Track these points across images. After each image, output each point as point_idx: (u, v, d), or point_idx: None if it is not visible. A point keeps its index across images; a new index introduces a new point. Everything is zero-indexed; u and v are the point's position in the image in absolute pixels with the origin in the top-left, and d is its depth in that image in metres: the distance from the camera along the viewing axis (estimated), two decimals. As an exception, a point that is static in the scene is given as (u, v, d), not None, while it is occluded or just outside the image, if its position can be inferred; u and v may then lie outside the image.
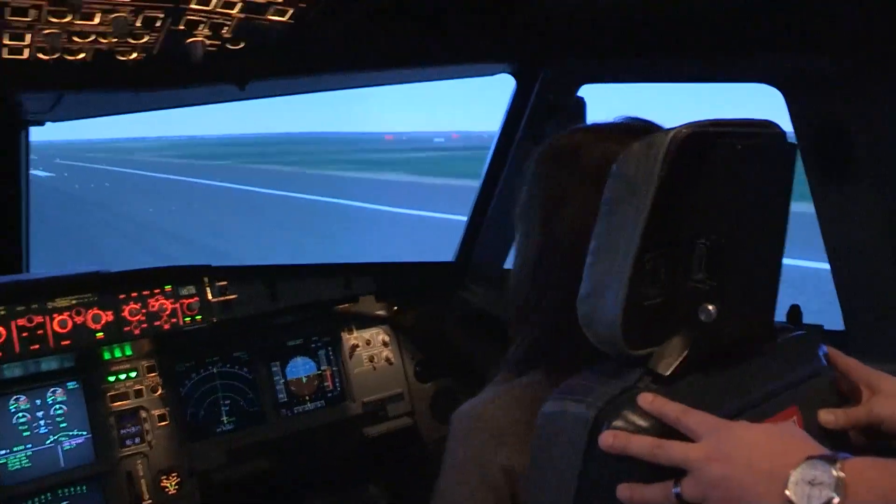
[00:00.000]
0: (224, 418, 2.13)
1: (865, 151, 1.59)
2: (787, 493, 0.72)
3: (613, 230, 0.92)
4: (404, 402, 2.39)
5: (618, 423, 0.89)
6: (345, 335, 2.34)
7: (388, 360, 2.38)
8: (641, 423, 0.89)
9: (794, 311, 1.84)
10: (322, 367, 2.29)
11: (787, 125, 1.36)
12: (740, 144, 0.92)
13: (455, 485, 1.09)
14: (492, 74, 2.03)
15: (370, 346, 2.37)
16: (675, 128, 0.90)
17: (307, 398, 2.25)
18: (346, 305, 2.24)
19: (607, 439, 0.87)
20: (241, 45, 1.45)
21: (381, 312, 2.38)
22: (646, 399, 0.89)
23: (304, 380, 2.26)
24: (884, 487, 0.69)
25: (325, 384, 2.28)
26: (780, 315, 1.80)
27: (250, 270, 2.05)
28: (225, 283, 1.99)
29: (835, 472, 0.71)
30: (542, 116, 1.92)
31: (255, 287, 2.04)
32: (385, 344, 2.39)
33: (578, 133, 1.12)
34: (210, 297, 1.98)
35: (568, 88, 1.89)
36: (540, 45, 1.76)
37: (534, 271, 1.10)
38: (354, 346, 2.34)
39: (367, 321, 2.38)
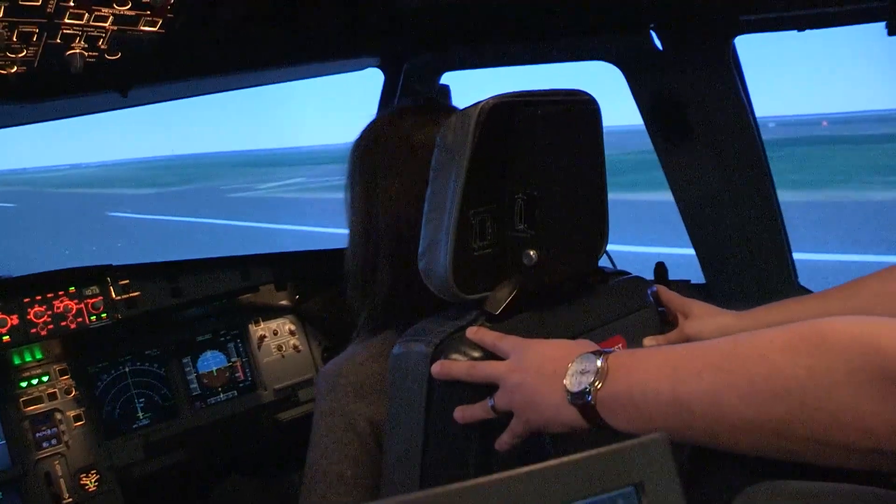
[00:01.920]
0: (139, 414, 2.20)
1: (698, 117, 1.79)
2: (564, 382, 0.87)
3: (439, 193, 1.07)
4: (314, 387, 2.50)
5: (453, 355, 1.04)
6: (252, 327, 2.44)
7: (295, 347, 2.49)
8: (474, 354, 1.04)
9: (660, 268, 2.03)
10: (232, 359, 2.38)
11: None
12: (541, 110, 1.08)
13: (324, 435, 1.19)
14: (361, 69, 2.16)
15: (277, 335, 2.48)
16: (484, 99, 1.06)
17: (219, 389, 2.34)
18: (249, 296, 2.33)
19: (435, 368, 1.02)
20: (119, 55, 1.54)
21: (284, 302, 2.49)
22: (471, 331, 1.04)
23: (215, 372, 2.34)
24: (632, 373, 0.82)
25: (237, 375, 2.38)
26: (648, 273, 2.00)
27: (151, 268, 2.12)
28: (127, 281, 2.07)
29: (598, 363, 0.84)
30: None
31: (158, 283, 2.12)
32: (292, 333, 2.50)
33: (385, 116, 1.27)
34: (113, 295, 2.06)
35: (430, 77, 2.05)
36: (401, 37, 1.90)
37: (364, 244, 1.24)
38: (262, 337, 2.44)
39: (272, 312, 2.48)
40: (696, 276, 2.14)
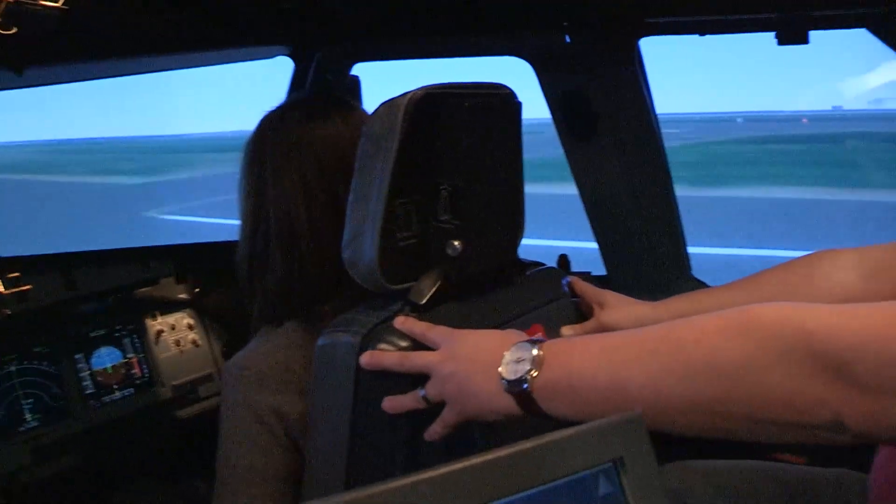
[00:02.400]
0: (27, 416, 2.07)
1: (603, 115, 1.85)
2: (500, 370, 0.88)
3: (365, 182, 1.06)
4: (215, 383, 2.42)
5: (381, 345, 1.04)
6: (149, 321, 2.34)
7: (194, 342, 2.40)
8: (401, 343, 1.04)
9: (563, 260, 2.09)
10: (128, 355, 2.28)
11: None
12: (468, 103, 1.09)
13: (231, 428, 1.18)
14: (271, 57, 2.12)
15: (175, 330, 2.39)
16: (413, 90, 1.06)
17: (115, 387, 2.23)
18: (146, 289, 2.25)
19: (364, 358, 1.02)
20: (14, 30, 1.46)
21: (183, 296, 2.40)
22: (399, 321, 1.04)
23: (111, 369, 2.24)
24: (570, 361, 0.84)
25: (133, 371, 2.28)
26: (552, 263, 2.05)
27: (44, 259, 2.01)
28: (17, 273, 1.96)
29: (534, 351, 0.86)
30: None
31: (51, 276, 2.01)
32: (190, 327, 2.42)
33: (279, 109, 1.27)
34: (2, 289, 1.94)
35: (342, 68, 2.03)
36: (311, 27, 1.88)
37: (253, 236, 1.24)
38: (160, 332, 2.35)
39: (170, 306, 2.39)
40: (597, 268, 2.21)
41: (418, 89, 1.05)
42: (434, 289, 1.09)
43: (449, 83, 1.10)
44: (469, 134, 1.11)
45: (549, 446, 0.42)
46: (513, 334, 0.97)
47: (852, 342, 0.65)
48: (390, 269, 1.06)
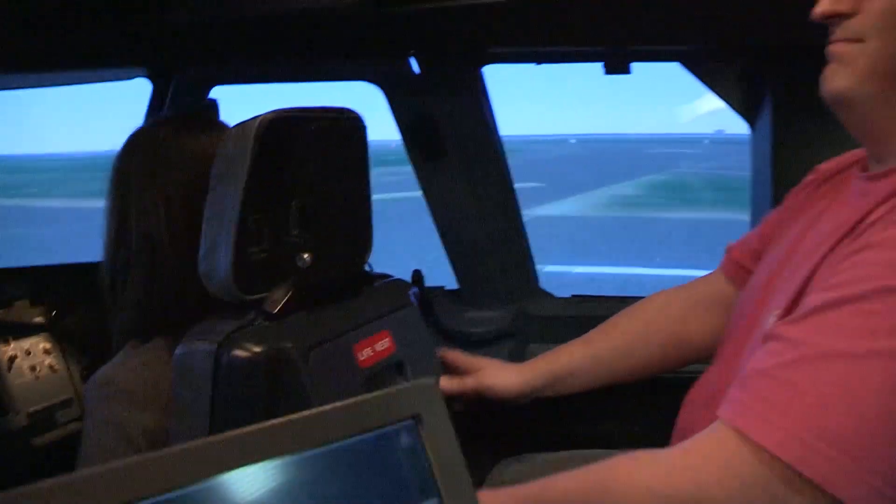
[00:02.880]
0: None
1: (450, 137, 1.99)
2: None
3: (219, 200, 1.13)
4: (74, 408, 2.37)
5: (236, 351, 1.11)
6: (1, 347, 2.28)
7: (51, 367, 2.34)
8: (256, 349, 1.11)
9: (417, 275, 2.20)
10: (-22, 384, 2.21)
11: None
12: (314, 126, 1.19)
13: (97, 446, 1.18)
14: (129, 79, 2.13)
15: (31, 355, 2.31)
16: (263, 114, 1.14)
17: (-37, 417, 2.17)
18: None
19: None
20: None
21: (38, 319, 2.35)
22: None
23: (-42, 398, 2.17)
24: None
25: (-17, 400, 2.22)
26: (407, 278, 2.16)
27: None
28: None
29: None
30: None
31: None
32: (47, 352, 2.35)
33: (143, 128, 1.32)
34: None
35: (200, 91, 2.08)
36: (167, 49, 1.92)
37: (115, 252, 1.27)
38: (13, 358, 2.27)
39: (24, 330, 2.33)
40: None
41: (268, 113, 1.13)
42: (286, 298, 1.17)
43: (298, 107, 1.19)
44: (316, 155, 1.20)
45: (355, 405, 0.51)
46: None
47: (693, 490, 0.76)
48: (244, 281, 1.14)
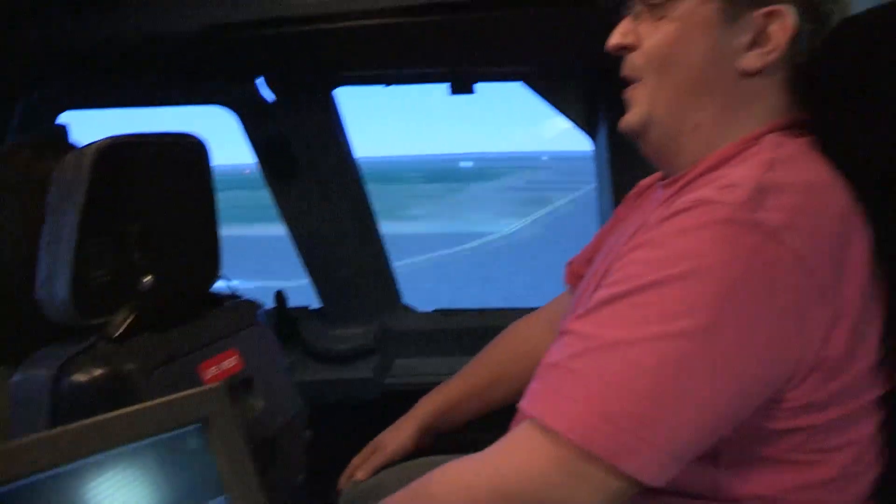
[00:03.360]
0: None
1: (305, 158, 2.03)
2: None
3: (57, 226, 1.14)
4: None
5: (76, 376, 1.11)
6: None
7: None
8: (96, 372, 1.12)
9: (280, 296, 2.23)
10: None
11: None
12: (151, 150, 1.21)
13: None
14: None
15: None
16: (100, 139, 1.16)
17: None
18: None
19: None
20: None
21: None
22: None
23: None
24: None
25: None
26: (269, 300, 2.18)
27: None
28: None
29: None
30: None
31: None
32: None
33: (4, 149, 1.32)
34: None
35: (49, 115, 2.04)
36: (15, 74, 1.87)
37: None
38: None
39: None
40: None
41: (105, 139, 1.15)
42: (127, 322, 1.18)
43: (135, 133, 1.21)
44: (155, 179, 1.23)
45: (144, 411, 0.55)
46: None
47: (499, 481, 0.81)
48: (85, 306, 1.14)
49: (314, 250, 2.20)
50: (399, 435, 1.44)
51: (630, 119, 0.98)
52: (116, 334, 1.17)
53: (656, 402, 0.75)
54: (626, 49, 0.97)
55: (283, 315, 2.23)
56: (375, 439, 1.46)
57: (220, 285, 1.44)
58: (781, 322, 0.75)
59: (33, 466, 0.49)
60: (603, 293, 0.81)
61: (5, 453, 0.48)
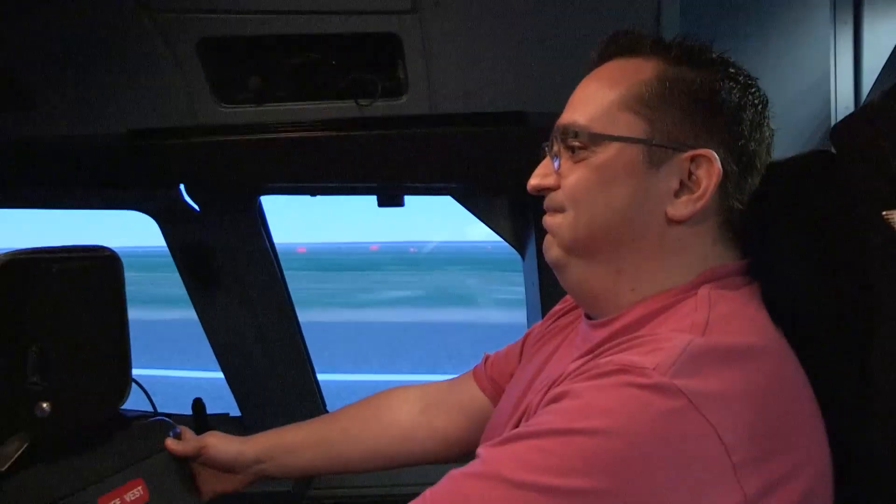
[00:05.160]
0: None
1: (227, 265, 1.97)
2: None
3: None
4: None
5: None
6: None
7: None
8: None
9: (198, 403, 2.12)
10: None
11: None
12: (56, 267, 1.15)
13: None
14: None
15: None
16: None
17: None
18: None
19: None
20: None
21: None
22: None
23: None
24: None
25: None
26: (186, 408, 2.07)
27: None
28: None
29: None
30: None
31: None
32: None
33: None
34: None
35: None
36: None
37: None
38: None
39: None
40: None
41: (2, 255, 1.08)
42: (18, 453, 1.09)
43: (42, 248, 1.15)
44: (60, 296, 1.16)
45: None
46: None
47: None
48: None
49: (234, 358, 2.12)
50: (227, 440, 1.36)
51: (552, 252, 0.97)
52: (4, 468, 1.08)
53: None
54: (546, 190, 0.96)
55: (202, 425, 2.13)
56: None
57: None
58: (687, 500, 0.71)
59: None
60: (515, 430, 0.80)
61: None
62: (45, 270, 1.13)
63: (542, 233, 1.83)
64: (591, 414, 0.73)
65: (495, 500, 0.74)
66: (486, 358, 1.35)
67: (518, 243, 2.13)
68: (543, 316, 2.04)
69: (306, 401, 2.25)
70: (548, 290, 2.02)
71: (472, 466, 0.80)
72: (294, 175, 1.85)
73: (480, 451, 0.81)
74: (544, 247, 0.98)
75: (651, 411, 0.71)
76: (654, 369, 0.73)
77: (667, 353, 0.75)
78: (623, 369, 0.75)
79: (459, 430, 1.32)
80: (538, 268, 2.03)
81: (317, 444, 1.35)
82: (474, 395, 1.33)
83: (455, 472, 0.81)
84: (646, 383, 0.72)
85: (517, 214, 2.08)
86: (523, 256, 2.13)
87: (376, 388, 1.43)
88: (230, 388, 2.18)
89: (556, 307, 1.25)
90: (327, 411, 2.31)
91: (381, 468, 1.38)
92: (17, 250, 1.11)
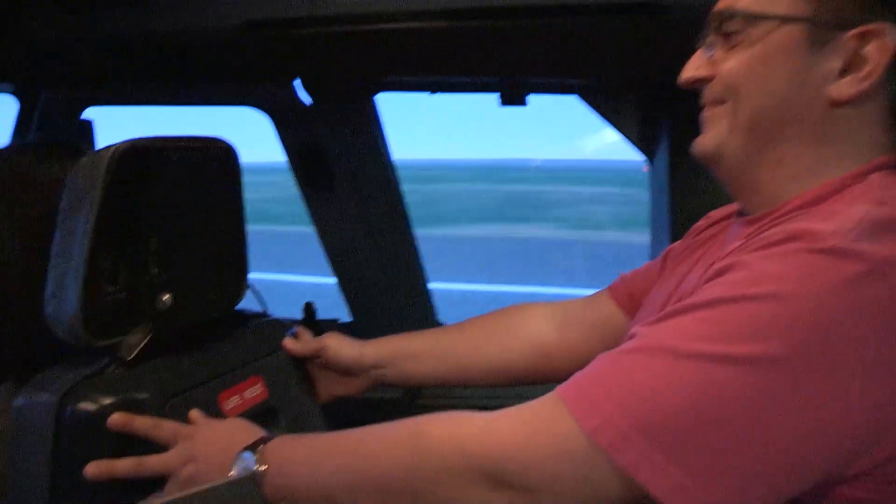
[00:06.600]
0: None
1: (341, 166, 1.92)
2: (231, 474, 0.92)
3: (67, 236, 1.03)
4: None
5: (82, 404, 1.00)
6: None
7: None
8: (105, 401, 1.01)
9: (309, 307, 2.11)
10: None
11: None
12: (176, 156, 1.10)
13: None
14: (-5, 95, 1.99)
15: None
16: (118, 142, 1.05)
17: None
18: None
19: (114, 419, 0.99)
20: None
21: None
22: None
23: None
24: (288, 470, 0.90)
25: None
26: (297, 312, 2.07)
27: None
28: None
29: (256, 467, 0.91)
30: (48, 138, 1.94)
31: None
32: None
33: (5, 150, 1.20)
34: None
35: (72, 111, 1.95)
36: (37, 65, 1.79)
37: None
38: None
39: None
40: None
41: (123, 142, 1.04)
42: (142, 344, 1.08)
43: (159, 136, 1.10)
44: (180, 186, 1.12)
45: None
46: (239, 430, 1.01)
47: (500, 451, 0.76)
48: (95, 324, 1.03)
49: (347, 263, 2.08)
50: (348, 342, 1.33)
51: (705, 143, 0.90)
52: (129, 358, 1.06)
53: (691, 422, 0.68)
54: (701, 82, 0.90)
55: (313, 329, 2.13)
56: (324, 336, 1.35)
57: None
58: (867, 372, 0.66)
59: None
60: (675, 306, 0.75)
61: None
62: (165, 158, 1.09)
63: (676, 135, 1.70)
64: (763, 280, 0.69)
65: (660, 372, 0.70)
66: (622, 276, 1.28)
67: (646, 146, 1.99)
68: (672, 224, 1.93)
69: (418, 310, 2.21)
70: (679, 196, 1.89)
71: (627, 344, 0.76)
72: (413, 68, 1.76)
73: (634, 330, 0.77)
74: (699, 141, 0.91)
75: (831, 275, 0.67)
76: (830, 234, 0.68)
77: (844, 219, 0.70)
78: (795, 236, 0.71)
79: (594, 349, 1.24)
80: (668, 173, 1.89)
81: (441, 353, 1.30)
82: (612, 313, 1.25)
83: (607, 353, 0.77)
84: (823, 247, 0.68)
85: (648, 114, 1.94)
86: (651, 160, 1.99)
87: (486, 299, 1.36)
88: (342, 292, 2.15)
89: (699, 223, 1.17)
90: (439, 322, 2.27)
91: (504, 384, 1.32)
92: (136, 138, 1.07)
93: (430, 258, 2.24)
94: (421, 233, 2.17)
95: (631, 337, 0.78)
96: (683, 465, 0.68)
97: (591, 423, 0.71)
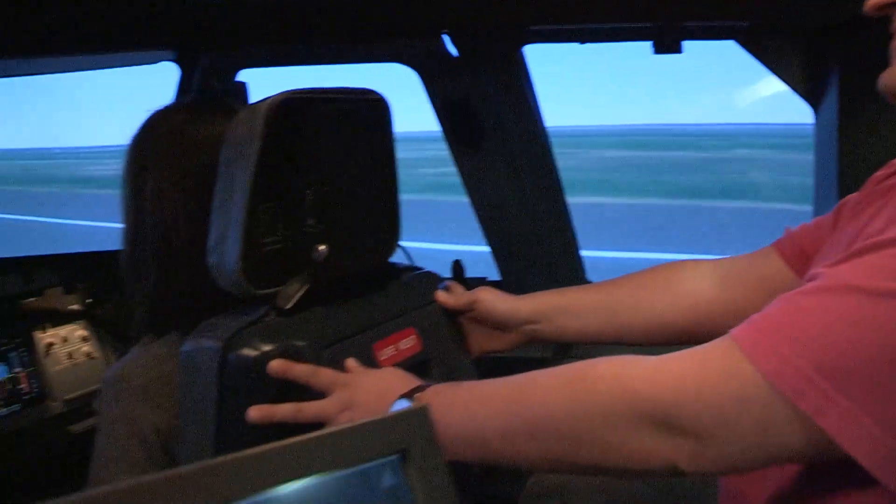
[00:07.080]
0: None
1: (490, 122, 1.89)
2: None
3: (228, 188, 1.06)
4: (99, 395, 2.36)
5: (244, 350, 1.03)
6: (38, 334, 2.25)
7: (88, 355, 2.33)
8: (265, 347, 1.04)
9: (457, 266, 2.11)
10: (15, 370, 2.20)
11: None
12: (331, 107, 1.10)
13: (105, 445, 1.13)
14: (155, 62, 2.08)
15: (67, 342, 2.30)
16: (274, 94, 1.06)
17: (0, 404, 2.16)
18: (33, 301, 2.17)
19: (274, 365, 1.02)
20: None
21: (74, 307, 2.33)
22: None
23: (-6, 385, 2.16)
24: (444, 414, 0.87)
25: (21, 387, 2.19)
26: (445, 271, 2.07)
27: None
28: None
29: (413, 405, 0.91)
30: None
31: None
32: (84, 339, 2.33)
33: (161, 111, 1.24)
34: None
35: (228, 74, 2.01)
36: (196, 31, 1.85)
37: (133, 242, 1.21)
38: (50, 345, 2.26)
39: (61, 318, 2.31)
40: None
41: (279, 94, 1.05)
42: (300, 293, 1.10)
43: (315, 88, 1.11)
44: (334, 138, 1.12)
45: (333, 437, 0.43)
46: (396, 378, 1.02)
47: (670, 395, 0.72)
48: (255, 274, 1.06)
49: (496, 222, 2.06)
50: (502, 296, 1.31)
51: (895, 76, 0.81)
52: (287, 307, 1.09)
53: (883, 366, 0.63)
54: (890, 6, 0.80)
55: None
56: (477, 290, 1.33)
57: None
58: None
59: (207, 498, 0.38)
60: (859, 246, 0.70)
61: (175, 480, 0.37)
62: (320, 110, 1.09)
63: (846, 80, 1.56)
64: None
65: (848, 313, 0.65)
66: (789, 232, 1.18)
67: (811, 94, 1.84)
68: (840, 180, 1.79)
69: (568, 270, 2.16)
70: (848, 147, 1.74)
71: (809, 285, 0.71)
72: (561, 16, 1.69)
73: (815, 272, 0.72)
74: (888, 73, 0.82)
75: None
76: None
77: None
78: None
79: (760, 307, 1.17)
80: (837, 122, 1.75)
81: (597, 308, 1.26)
82: (779, 269, 1.16)
83: (785, 295, 0.72)
84: None
85: (813, 60, 1.79)
86: (816, 110, 1.85)
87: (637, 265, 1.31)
88: (492, 251, 2.14)
89: (880, 172, 1.06)
90: (587, 280, 2.21)
91: (660, 343, 1.25)
92: (291, 90, 1.07)
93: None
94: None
95: (811, 279, 0.72)
96: (873, 413, 0.63)
97: (770, 366, 0.67)
